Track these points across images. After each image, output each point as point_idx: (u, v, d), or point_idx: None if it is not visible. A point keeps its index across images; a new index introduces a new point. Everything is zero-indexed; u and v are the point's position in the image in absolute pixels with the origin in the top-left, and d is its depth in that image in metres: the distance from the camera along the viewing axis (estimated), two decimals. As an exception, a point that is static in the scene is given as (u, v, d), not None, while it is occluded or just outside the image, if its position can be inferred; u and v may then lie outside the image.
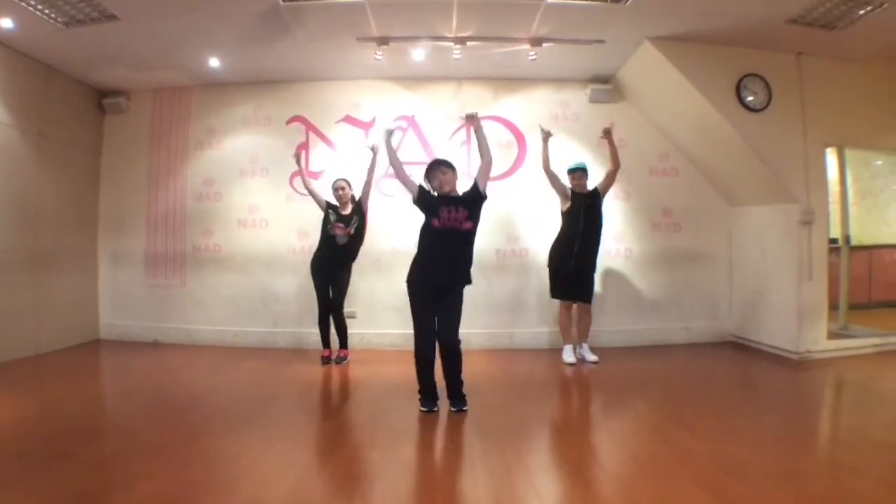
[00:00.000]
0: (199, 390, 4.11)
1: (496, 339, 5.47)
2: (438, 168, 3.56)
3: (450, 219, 3.43)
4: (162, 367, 4.78)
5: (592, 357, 4.86)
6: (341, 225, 4.76)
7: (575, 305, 4.94)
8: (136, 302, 5.85)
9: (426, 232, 3.54)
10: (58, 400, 3.72)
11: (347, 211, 4.86)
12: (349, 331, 5.00)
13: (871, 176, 6.68)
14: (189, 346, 5.56)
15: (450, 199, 3.51)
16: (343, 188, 4.87)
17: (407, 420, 3.38)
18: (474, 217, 3.51)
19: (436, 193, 3.53)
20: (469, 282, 3.56)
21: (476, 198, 3.55)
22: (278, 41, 4.76)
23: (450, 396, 3.52)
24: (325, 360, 4.87)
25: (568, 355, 4.86)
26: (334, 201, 4.89)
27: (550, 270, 4.97)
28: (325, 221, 4.85)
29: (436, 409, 3.48)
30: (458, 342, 3.48)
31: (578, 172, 4.85)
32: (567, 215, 4.86)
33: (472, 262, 3.58)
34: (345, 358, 4.93)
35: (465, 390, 3.54)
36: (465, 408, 3.47)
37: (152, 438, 3.03)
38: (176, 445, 2.89)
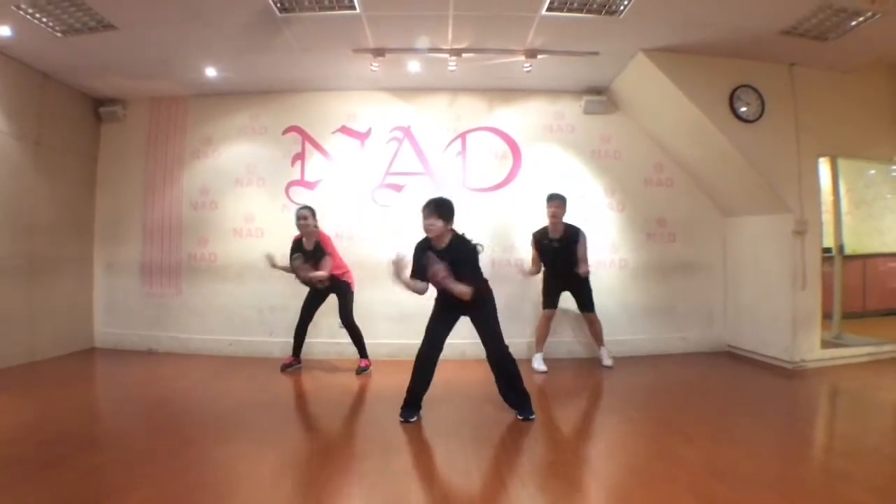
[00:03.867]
0: (193, 399, 4.09)
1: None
2: (425, 210, 3.34)
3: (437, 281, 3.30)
4: (156, 376, 4.76)
5: (608, 361, 4.95)
6: (317, 274, 4.58)
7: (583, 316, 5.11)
8: (131, 310, 5.83)
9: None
10: (52, 407, 3.70)
11: (311, 246, 4.70)
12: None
13: (865, 185, 6.74)
14: (184, 356, 5.53)
15: (436, 254, 3.35)
16: (306, 217, 4.64)
17: (402, 430, 3.36)
18: (458, 270, 3.27)
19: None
20: (482, 298, 3.41)
21: (464, 252, 3.33)
22: (274, 51, 4.78)
23: (514, 406, 3.49)
24: (285, 367, 4.88)
25: (538, 364, 4.94)
26: (299, 231, 4.71)
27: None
28: (292, 261, 4.64)
29: (413, 419, 3.43)
30: (506, 351, 3.46)
31: (556, 201, 4.88)
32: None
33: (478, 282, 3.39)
34: (366, 368, 4.84)
35: (462, 399, 3.51)
36: (531, 416, 3.43)
37: (146, 446, 3.02)
38: (170, 453, 2.88)
